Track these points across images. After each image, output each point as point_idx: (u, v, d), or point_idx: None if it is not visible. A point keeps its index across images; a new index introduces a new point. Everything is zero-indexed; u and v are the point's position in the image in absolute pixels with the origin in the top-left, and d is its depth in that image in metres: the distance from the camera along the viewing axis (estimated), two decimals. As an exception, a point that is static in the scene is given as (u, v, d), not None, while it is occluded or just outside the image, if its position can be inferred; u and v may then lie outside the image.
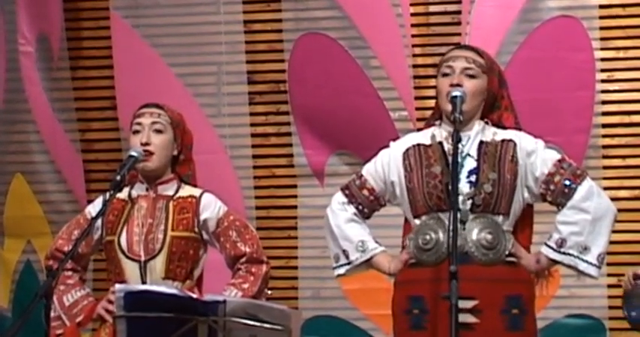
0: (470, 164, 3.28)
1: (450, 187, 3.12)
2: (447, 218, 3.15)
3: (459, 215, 3.17)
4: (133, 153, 3.42)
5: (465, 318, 3.14)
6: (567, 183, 3.29)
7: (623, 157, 5.50)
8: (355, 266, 3.44)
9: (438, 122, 3.40)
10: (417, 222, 3.33)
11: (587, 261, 3.27)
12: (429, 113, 3.70)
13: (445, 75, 3.32)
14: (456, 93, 3.23)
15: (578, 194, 3.28)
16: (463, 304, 3.07)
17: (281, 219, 5.83)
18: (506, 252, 3.27)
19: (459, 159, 3.25)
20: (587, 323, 5.42)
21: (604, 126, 5.49)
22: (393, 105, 5.59)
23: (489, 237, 3.25)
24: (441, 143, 3.33)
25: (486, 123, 3.38)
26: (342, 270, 3.47)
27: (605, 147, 5.49)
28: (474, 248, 3.24)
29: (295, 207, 5.78)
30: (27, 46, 5.97)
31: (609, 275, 5.14)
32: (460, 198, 3.23)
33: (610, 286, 5.37)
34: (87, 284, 3.74)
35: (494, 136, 3.34)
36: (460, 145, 3.26)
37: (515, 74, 5.06)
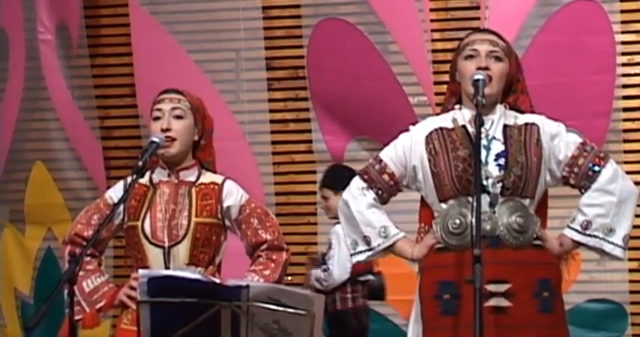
0: (497, 147, 3.27)
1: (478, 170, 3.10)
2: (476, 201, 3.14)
3: (488, 198, 3.17)
4: (155, 139, 3.42)
5: (499, 302, 3.13)
6: (591, 165, 3.28)
7: (644, 141, 5.48)
8: (377, 252, 3.40)
9: (458, 106, 3.38)
10: (444, 206, 3.30)
11: (612, 243, 3.26)
12: (449, 98, 3.68)
13: (470, 57, 3.30)
14: (479, 76, 3.21)
15: (603, 176, 3.27)
16: (496, 288, 3.08)
17: (300, 204, 5.85)
18: (534, 235, 3.27)
19: (486, 142, 3.23)
20: (609, 308, 5.42)
21: (624, 110, 5.48)
22: (412, 91, 5.59)
23: (520, 220, 3.24)
24: (464, 126, 3.31)
25: (505, 107, 3.36)
26: (362, 257, 3.43)
27: (625, 131, 5.48)
28: (505, 231, 3.23)
29: (314, 193, 5.79)
30: (46, 34, 5.99)
31: (630, 259, 5.14)
32: (490, 181, 3.21)
33: (631, 270, 5.37)
34: (107, 270, 3.74)
35: (516, 120, 3.33)
36: (485, 128, 3.25)
37: (534, 58, 5.06)
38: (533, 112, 3.40)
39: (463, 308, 3.15)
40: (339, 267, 5.15)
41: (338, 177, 5.15)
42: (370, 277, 5.30)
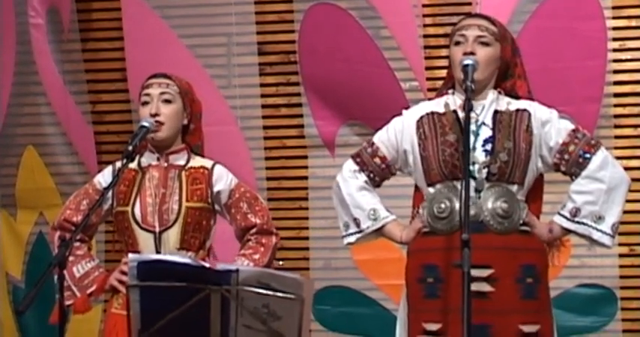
0: (485, 133, 3.28)
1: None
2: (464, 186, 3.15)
3: (474, 183, 3.18)
4: (145, 124, 3.42)
5: (481, 287, 3.15)
6: (582, 153, 3.28)
7: (635, 127, 5.48)
8: (366, 234, 3.44)
9: (451, 91, 3.39)
10: (431, 190, 3.32)
11: (601, 231, 3.27)
12: (439, 83, 3.69)
13: (458, 43, 3.31)
14: (468, 61, 3.21)
15: (592, 164, 3.28)
16: (479, 273, 3.09)
17: (292, 189, 5.84)
18: (521, 221, 3.28)
19: (474, 128, 3.25)
20: (599, 293, 5.43)
21: (615, 95, 5.47)
22: (404, 76, 5.58)
23: (505, 205, 3.25)
24: (455, 111, 3.32)
25: (499, 92, 3.37)
26: (352, 238, 3.47)
27: (616, 116, 5.47)
28: (489, 216, 3.24)
29: (306, 177, 5.79)
30: (37, 18, 5.96)
31: (620, 244, 5.15)
32: (476, 166, 3.23)
33: (621, 255, 5.38)
34: (97, 255, 3.74)
35: (508, 106, 3.33)
36: (475, 114, 3.26)
37: (526, 44, 5.03)
38: (531, 98, 3.40)
39: (446, 292, 3.17)
40: None
41: None
42: None
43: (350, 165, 3.47)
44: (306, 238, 5.75)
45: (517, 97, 3.37)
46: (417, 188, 3.43)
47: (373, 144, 3.45)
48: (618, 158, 4.65)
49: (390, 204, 3.52)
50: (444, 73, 3.62)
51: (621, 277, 5.41)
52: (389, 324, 5.31)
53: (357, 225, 3.43)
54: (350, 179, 3.45)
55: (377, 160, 3.44)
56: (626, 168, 3.50)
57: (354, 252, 5.19)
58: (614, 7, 5.44)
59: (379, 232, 3.44)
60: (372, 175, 3.45)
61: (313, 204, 5.72)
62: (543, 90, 3.74)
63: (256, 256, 3.50)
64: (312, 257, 5.76)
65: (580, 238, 3.37)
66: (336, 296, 5.68)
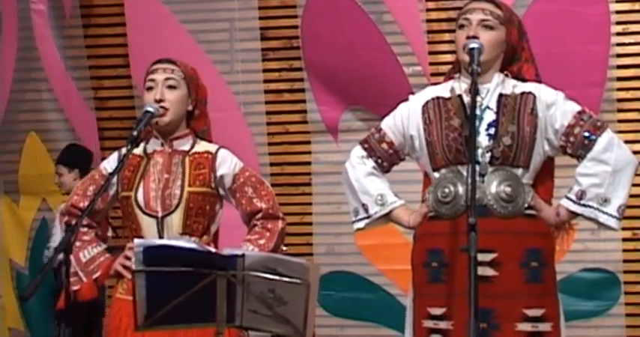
0: (489, 117, 3.27)
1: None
2: (466, 171, 3.15)
3: (478, 168, 3.17)
4: (150, 109, 3.41)
5: (484, 271, 3.14)
6: (587, 134, 3.27)
7: (638, 110, 5.48)
8: (375, 219, 3.44)
9: (457, 75, 3.38)
10: (437, 175, 3.32)
11: (607, 213, 3.25)
12: (443, 68, 3.69)
13: (462, 27, 3.30)
14: (473, 44, 3.20)
15: (598, 145, 3.26)
16: (482, 257, 3.07)
17: (295, 175, 5.85)
18: (526, 205, 3.27)
19: (479, 112, 3.24)
20: (602, 277, 5.45)
21: (619, 79, 5.48)
22: (407, 61, 5.58)
23: (508, 189, 3.24)
24: (460, 96, 3.31)
25: (506, 75, 3.35)
26: (361, 224, 3.47)
27: (620, 100, 5.48)
28: (493, 201, 3.23)
29: (309, 163, 5.80)
30: (39, 4, 5.96)
31: (624, 228, 5.14)
32: (479, 150, 3.22)
33: (625, 240, 5.39)
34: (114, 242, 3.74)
35: (513, 89, 3.32)
36: (479, 98, 3.25)
37: (529, 28, 5.01)
38: (539, 81, 3.38)
39: (451, 276, 3.17)
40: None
41: (73, 155, 5.65)
42: None
43: (358, 151, 3.48)
44: (310, 223, 5.76)
45: (524, 81, 3.36)
46: (426, 173, 3.43)
47: (381, 129, 3.45)
48: (622, 142, 4.65)
49: (400, 189, 3.53)
50: (447, 57, 3.62)
51: (625, 261, 5.43)
52: (393, 309, 5.35)
53: (366, 210, 3.43)
54: (358, 165, 3.45)
55: (384, 146, 3.43)
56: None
57: (358, 237, 5.20)
58: (617, -9, 5.43)
59: (387, 217, 3.44)
60: (380, 161, 3.45)
61: (317, 189, 5.74)
62: (546, 75, 3.72)
63: (262, 241, 3.49)
64: (315, 242, 5.78)
65: (584, 222, 3.36)
66: (340, 281, 5.69)
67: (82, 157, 5.70)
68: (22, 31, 6.00)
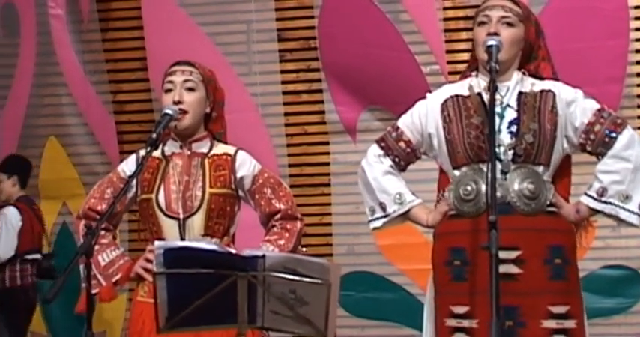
0: (510, 114, 3.26)
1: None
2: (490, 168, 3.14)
3: (500, 165, 3.17)
4: (168, 111, 3.41)
5: (508, 269, 3.14)
6: (607, 132, 3.26)
7: (658, 106, 5.45)
8: (392, 218, 3.43)
9: (474, 73, 3.37)
10: (457, 173, 3.31)
11: (628, 210, 3.25)
12: (460, 67, 3.68)
13: (482, 24, 3.29)
14: (492, 42, 3.19)
15: (619, 143, 3.26)
16: (506, 255, 3.08)
17: (314, 176, 5.85)
18: (548, 202, 3.26)
19: (499, 110, 3.23)
20: (623, 274, 5.43)
21: (638, 75, 5.45)
22: (425, 60, 5.57)
23: (531, 187, 3.24)
24: (479, 94, 3.30)
25: (524, 73, 3.34)
26: (378, 223, 3.46)
27: (639, 96, 5.45)
28: (516, 198, 3.23)
29: (328, 163, 5.80)
30: (57, 9, 5.99)
31: (645, 225, 5.12)
32: (502, 148, 3.21)
33: (646, 236, 5.35)
34: (122, 244, 3.75)
35: (532, 87, 3.31)
36: (499, 96, 3.24)
37: (547, 24, 4.98)
38: (557, 79, 3.38)
39: (473, 274, 3.16)
40: (5, 246, 5.80)
41: (11, 164, 6.01)
42: (38, 256, 5.91)
43: (375, 149, 3.47)
44: (329, 224, 5.76)
45: (541, 79, 3.35)
46: (441, 171, 3.42)
47: (398, 128, 3.44)
48: (642, 138, 4.63)
49: (413, 188, 3.51)
50: (464, 56, 3.61)
51: (646, 258, 5.40)
52: (413, 309, 5.33)
53: (383, 209, 3.42)
54: (375, 163, 3.44)
55: (402, 144, 3.42)
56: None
57: (378, 236, 5.20)
58: (635, -14, 5.41)
59: (405, 216, 3.43)
60: (397, 159, 3.44)
61: (336, 189, 5.73)
62: (565, 71, 3.71)
63: (281, 242, 3.49)
64: (335, 243, 5.78)
65: (604, 219, 3.35)
66: (360, 281, 5.69)
67: (21, 165, 6.10)
68: (40, 36, 6.02)
